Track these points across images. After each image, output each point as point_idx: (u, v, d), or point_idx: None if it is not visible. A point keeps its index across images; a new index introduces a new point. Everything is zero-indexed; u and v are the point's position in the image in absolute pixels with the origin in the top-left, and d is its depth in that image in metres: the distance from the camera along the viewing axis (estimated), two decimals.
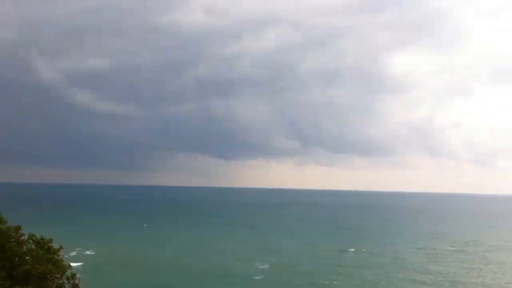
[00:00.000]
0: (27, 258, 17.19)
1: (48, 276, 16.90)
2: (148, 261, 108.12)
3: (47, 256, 17.35)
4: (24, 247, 17.47)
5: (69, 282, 17.89)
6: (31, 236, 17.83)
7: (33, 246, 17.70)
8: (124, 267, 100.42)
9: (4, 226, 17.59)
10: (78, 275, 18.13)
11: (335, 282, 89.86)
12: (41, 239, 17.85)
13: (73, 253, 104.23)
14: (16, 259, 16.93)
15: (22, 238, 17.63)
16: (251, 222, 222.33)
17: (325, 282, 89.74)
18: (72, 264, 18.85)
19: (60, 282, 17.58)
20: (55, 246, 18.17)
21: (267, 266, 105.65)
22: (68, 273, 17.95)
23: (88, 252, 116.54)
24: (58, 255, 17.90)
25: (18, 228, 17.58)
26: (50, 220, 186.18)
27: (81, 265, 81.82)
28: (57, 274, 17.35)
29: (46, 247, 17.74)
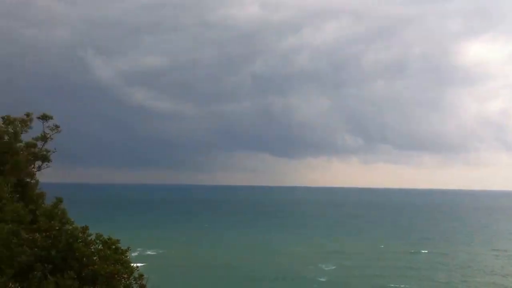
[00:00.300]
0: (94, 258, 17.76)
1: (116, 276, 17.44)
2: (210, 262, 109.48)
3: (114, 257, 17.88)
4: (92, 247, 18.06)
5: (136, 283, 18.37)
6: (98, 236, 18.41)
7: (100, 246, 18.28)
8: (186, 268, 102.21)
9: (71, 227, 18.24)
10: (145, 276, 18.61)
11: (406, 286, 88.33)
12: (109, 239, 18.40)
13: (134, 254, 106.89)
14: (84, 259, 17.51)
15: (90, 238, 18.24)
16: (315, 223, 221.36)
17: (395, 285, 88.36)
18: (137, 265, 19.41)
19: (127, 282, 18.08)
20: (123, 247, 18.71)
21: (333, 267, 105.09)
22: (136, 273, 18.45)
23: (149, 253, 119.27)
24: (126, 256, 18.41)
25: (85, 229, 18.20)
26: (110, 220, 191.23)
27: (143, 265, 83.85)
28: (125, 275, 17.87)
29: (114, 247, 18.27)
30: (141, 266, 21.58)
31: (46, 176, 21.54)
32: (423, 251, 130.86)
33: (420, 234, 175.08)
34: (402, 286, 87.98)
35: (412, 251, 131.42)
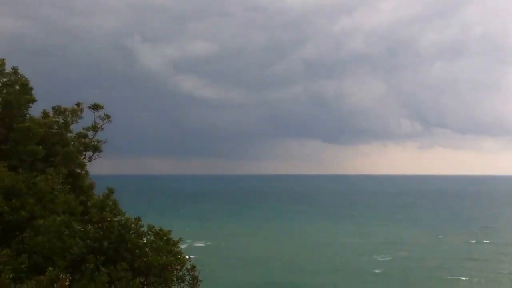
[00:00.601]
0: (147, 249, 18.13)
1: (169, 267, 17.79)
2: (261, 254, 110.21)
3: (166, 248, 18.22)
4: (144, 239, 18.44)
5: (189, 274, 18.69)
6: (150, 228, 18.76)
7: (152, 237, 18.64)
8: (235, 260, 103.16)
9: (124, 218, 18.64)
10: (198, 268, 18.93)
11: (466, 278, 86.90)
12: (160, 230, 18.75)
13: (183, 246, 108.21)
14: (137, 250, 17.88)
15: (142, 229, 18.60)
16: (368, 212, 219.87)
17: (455, 277, 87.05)
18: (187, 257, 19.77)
19: (180, 274, 18.42)
20: (174, 238, 19.07)
21: (389, 258, 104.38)
22: (188, 265, 18.78)
23: (198, 244, 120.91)
24: (178, 247, 18.75)
25: (138, 220, 18.55)
26: (158, 211, 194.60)
27: (193, 257, 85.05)
28: (178, 266, 18.20)
29: (165, 238, 18.64)
30: (192, 258, 21.94)
31: (96, 168, 21.96)
32: (485, 241, 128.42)
33: (482, 223, 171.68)
34: (462, 278, 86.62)
35: (473, 241, 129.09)
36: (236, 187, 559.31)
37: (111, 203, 19.32)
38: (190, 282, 18.45)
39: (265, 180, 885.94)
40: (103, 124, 21.49)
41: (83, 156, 21.19)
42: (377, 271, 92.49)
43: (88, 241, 17.55)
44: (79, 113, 21.32)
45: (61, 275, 15.44)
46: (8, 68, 20.39)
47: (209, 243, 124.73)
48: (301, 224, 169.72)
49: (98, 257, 17.24)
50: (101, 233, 18.00)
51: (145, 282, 17.41)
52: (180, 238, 19.11)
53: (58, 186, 18.32)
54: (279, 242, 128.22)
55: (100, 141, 21.46)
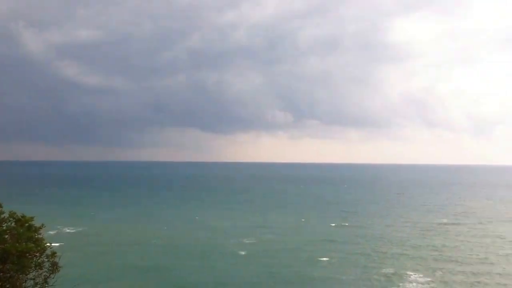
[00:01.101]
0: (6, 236, 17.93)
1: (28, 254, 17.73)
2: (134, 240, 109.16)
3: (27, 234, 18.12)
4: (4, 225, 18.22)
5: (48, 261, 18.68)
6: (12, 214, 18.54)
7: (13, 224, 18.45)
8: (108, 246, 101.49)
9: None
10: (58, 254, 18.98)
11: (325, 258, 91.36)
12: (22, 217, 18.60)
13: (52, 232, 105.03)
14: None
15: (2, 216, 18.34)
16: (240, 198, 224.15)
17: (315, 258, 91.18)
18: (53, 244, 19.55)
19: (39, 260, 18.39)
20: (37, 224, 18.96)
21: (254, 241, 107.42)
22: (48, 251, 18.76)
23: (67, 231, 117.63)
24: (39, 234, 18.70)
25: None
26: (31, 198, 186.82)
27: (61, 243, 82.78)
28: (37, 253, 18.17)
29: (27, 225, 18.54)
30: (59, 244, 21.74)
31: None
32: (343, 224, 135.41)
33: (342, 207, 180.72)
34: (322, 258, 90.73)
35: (333, 224, 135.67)
36: (115, 174, 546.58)
37: None
38: (50, 268, 18.46)
39: (145, 167, 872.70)
40: None
41: None
42: (242, 252, 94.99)
43: None
44: None
45: None
46: None
47: (80, 229, 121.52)
48: (174, 210, 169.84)
49: None
50: None
51: (1, 270, 17.22)
52: (42, 224, 19.03)
53: None
54: (151, 228, 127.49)
55: None
